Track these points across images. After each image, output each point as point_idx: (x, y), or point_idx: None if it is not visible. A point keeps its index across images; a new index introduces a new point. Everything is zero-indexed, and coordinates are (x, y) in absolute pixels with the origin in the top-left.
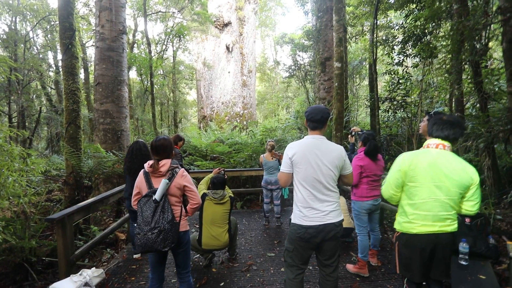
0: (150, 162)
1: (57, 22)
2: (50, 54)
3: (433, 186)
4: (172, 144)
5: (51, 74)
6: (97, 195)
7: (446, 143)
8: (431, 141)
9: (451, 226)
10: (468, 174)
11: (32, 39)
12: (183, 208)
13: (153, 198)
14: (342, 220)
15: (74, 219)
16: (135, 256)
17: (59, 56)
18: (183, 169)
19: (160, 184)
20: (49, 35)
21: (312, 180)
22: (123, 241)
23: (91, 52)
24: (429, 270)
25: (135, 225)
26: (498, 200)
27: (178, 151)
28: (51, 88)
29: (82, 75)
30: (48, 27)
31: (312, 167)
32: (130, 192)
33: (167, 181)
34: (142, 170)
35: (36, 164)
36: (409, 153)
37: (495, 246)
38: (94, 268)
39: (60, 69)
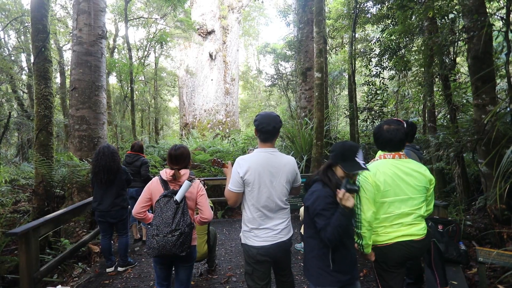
0: (169, 171)
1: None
2: (23, 57)
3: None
4: (190, 153)
5: (24, 77)
6: (70, 205)
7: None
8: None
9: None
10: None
11: (3, 40)
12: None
13: (174, 199)
14: (292, 234)
15: (40, 233)
16: (108, 270)
17: (33, 59)
18: (199, 180)
19: (183, 185)
20: (22, 37)
21: (266, 200)
22: (97, 254)
23: (68, 55)
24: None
25: (149, 226)
26: (468, 206)
27: (146, 160)
28: (23, 92)
29: (58, 79)
30: (21, 28)
31: (266, 186)
32: (99, 202)
33: (190, 182)
34: (157, 177)
35: None
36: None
37: (465, 252)
38: (60, 286)
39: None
